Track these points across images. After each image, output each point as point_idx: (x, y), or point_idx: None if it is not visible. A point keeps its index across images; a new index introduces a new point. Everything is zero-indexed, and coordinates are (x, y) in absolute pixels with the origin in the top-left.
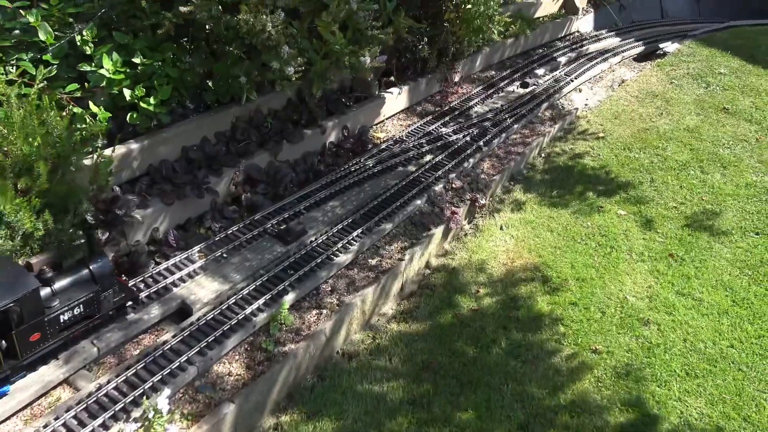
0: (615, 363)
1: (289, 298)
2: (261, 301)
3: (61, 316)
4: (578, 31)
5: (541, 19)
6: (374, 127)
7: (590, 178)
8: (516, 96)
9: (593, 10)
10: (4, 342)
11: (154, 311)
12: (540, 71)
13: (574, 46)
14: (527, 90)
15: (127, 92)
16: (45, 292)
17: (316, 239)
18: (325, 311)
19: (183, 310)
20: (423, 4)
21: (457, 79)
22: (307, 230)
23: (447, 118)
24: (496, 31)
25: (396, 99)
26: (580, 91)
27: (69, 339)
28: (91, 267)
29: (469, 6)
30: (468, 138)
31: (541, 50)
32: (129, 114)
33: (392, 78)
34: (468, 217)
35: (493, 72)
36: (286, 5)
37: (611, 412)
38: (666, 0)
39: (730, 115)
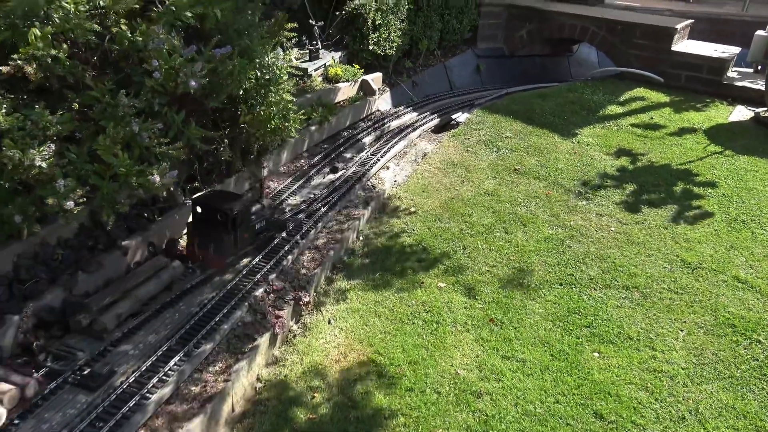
0: None
1: None
2: None
3: (256, 225)
4: (378, 110)
5: (341, 103)
6: (183, 237)
7: (408, 255)
8: (327, 182)
9: (389, 89)
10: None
11: None
12: (348, 154)
13: (376, 125)
14: (338, 175)
15: None
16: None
17: (127, 378)
18: None
19: None
20: (216, 110)
21: (265, 174)
22: (116, 369)
23: None
24: (293, 129)
25: None
26: (388, 168)
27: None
28: (263, 202)
29: (263, 108)
30: (284, 234)
31: (346, 133)
32: None
33: (197, 183)
34: (294, 317)
35: (303, 161)
36: (58, 133)
37: None
38: (452, 73)
39: (521, 175)
